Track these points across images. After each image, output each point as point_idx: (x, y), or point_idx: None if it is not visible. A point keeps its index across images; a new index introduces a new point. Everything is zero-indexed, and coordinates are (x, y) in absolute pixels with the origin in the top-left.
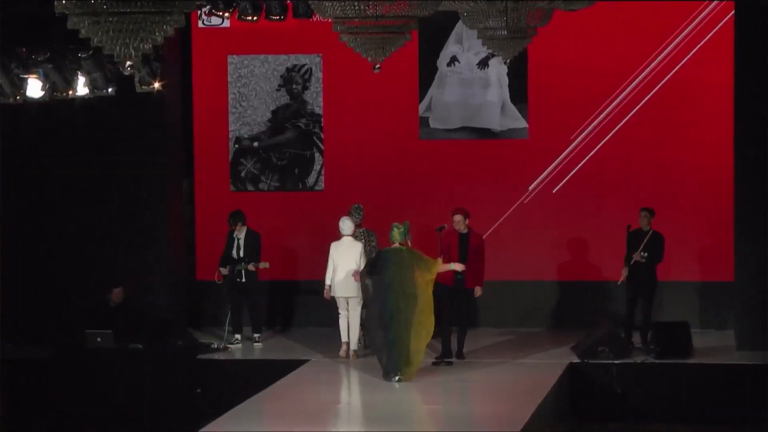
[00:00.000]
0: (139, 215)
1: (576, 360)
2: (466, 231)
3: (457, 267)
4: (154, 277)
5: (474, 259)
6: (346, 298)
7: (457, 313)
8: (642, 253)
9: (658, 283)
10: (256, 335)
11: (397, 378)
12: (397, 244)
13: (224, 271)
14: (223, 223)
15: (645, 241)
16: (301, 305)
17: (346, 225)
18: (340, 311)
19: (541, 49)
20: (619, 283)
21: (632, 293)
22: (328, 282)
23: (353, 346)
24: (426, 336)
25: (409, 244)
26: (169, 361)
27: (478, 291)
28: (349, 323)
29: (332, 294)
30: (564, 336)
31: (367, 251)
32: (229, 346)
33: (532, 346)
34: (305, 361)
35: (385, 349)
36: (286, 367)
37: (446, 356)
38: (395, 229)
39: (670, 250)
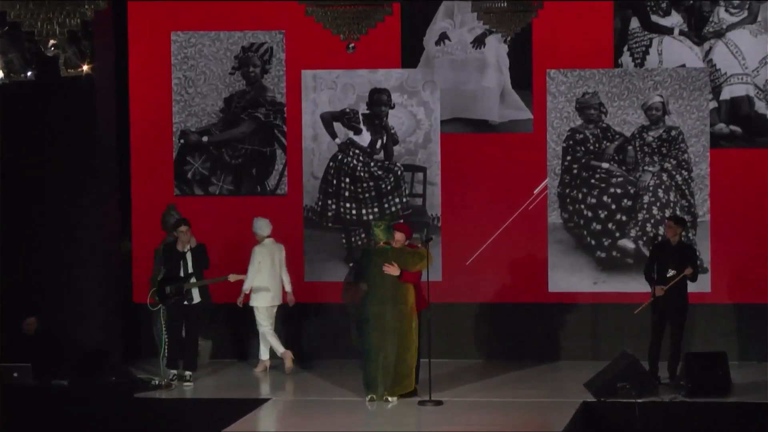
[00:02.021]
0: (63, 226)
1: (591, 398)
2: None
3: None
4: (82, 300)
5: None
6: (273, 307)
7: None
8: (671, 271)
9: (690, 306)
10: (188, 373)
11: (368, 397)
12: (382, 244)
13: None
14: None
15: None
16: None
17: (265, 224)
18: (262, 323)
19: (547, 24)
20: (636, 311)
21: (659, 318)
22: (246, 289)
23: (264, 356)
24: (414, 348)
25: (394, 243)
26: (101, 399)
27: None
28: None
29: (254, 304)
30: (574, 369)
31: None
32: (173, 382)
33: (536, 381)
34: (265, 400)
35: (364, 362)
36: (242, 407)
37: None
38: (375, 229)
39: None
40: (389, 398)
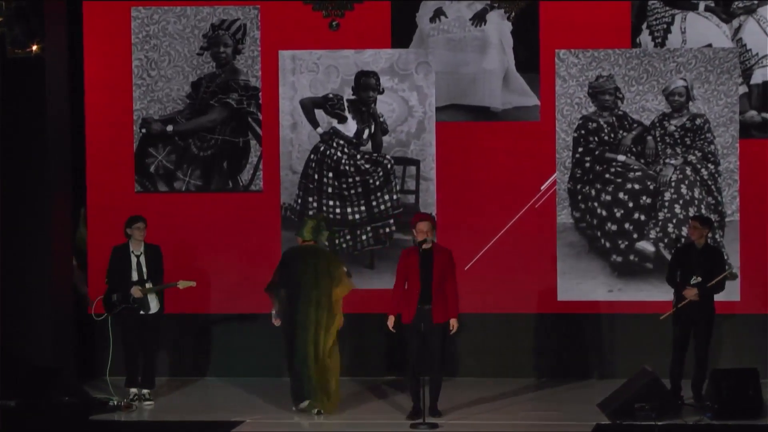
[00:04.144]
0: (8, 227)
1: (605, 421)
2: (430, 246)
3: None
4: (29, 312)
5: (440, 284)
6: None
7: (430, 357)
8: (695, 278)
9: (717, 317)
10: (146, 391)
11: (305, 404)
12: (312, 242)
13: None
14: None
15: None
16: (230, 348)
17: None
18: None
19: None
20: (662, 317)
21: (682, 331)
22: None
23: None
24: (338, 361)
25: (324, 244)
26: (52, 422)
27: (453, 324)
28: None
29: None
30: (586, 388)
31: None
32: (134, 403)
33: (543, 401)
34: (238, 423)
35: (294, 370)
36: (213, 430)
37: (418, 414)
38: (305, 225)
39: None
40: (321, 411)
